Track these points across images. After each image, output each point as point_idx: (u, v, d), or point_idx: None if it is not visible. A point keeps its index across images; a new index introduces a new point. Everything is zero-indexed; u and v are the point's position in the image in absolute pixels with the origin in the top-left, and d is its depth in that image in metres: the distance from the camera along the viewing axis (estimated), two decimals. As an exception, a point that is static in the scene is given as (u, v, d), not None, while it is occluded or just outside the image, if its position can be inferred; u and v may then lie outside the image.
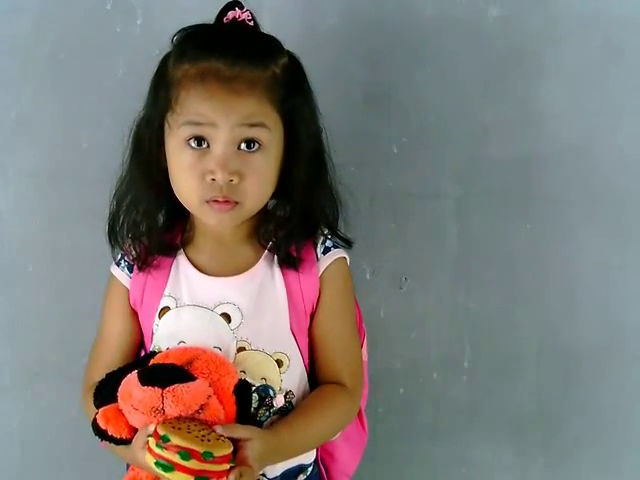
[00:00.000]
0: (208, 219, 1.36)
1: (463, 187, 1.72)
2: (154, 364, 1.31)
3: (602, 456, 1.79)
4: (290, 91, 1.32)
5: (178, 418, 1.23)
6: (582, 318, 1.76)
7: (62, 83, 1.70)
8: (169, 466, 1.16)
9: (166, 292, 1.41)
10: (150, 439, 1.20)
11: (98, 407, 1.31)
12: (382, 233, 1.68)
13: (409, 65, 1.69)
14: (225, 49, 1.29)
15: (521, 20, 1.67)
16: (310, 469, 1.46)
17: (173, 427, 1.20)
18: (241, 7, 1.36)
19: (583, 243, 1.73)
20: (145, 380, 1.25)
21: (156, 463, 1.17)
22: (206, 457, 1.16)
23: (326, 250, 1.43)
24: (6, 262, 1.76)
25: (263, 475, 1.37)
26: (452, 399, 1.78)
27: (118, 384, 1.29)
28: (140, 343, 1.46)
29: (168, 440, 1.17)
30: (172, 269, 1.42)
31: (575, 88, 1.69)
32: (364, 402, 1.53)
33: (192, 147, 1.30)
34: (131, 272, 1.44)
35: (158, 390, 1.23)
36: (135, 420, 1.26)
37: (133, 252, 1.43)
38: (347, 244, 1.46)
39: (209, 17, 1.61)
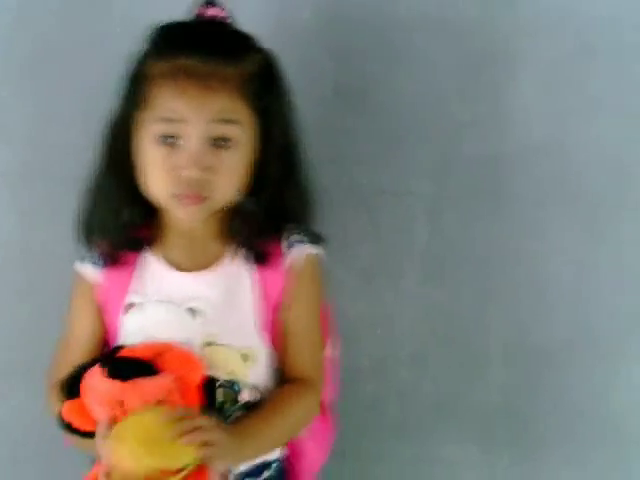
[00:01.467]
0: (177, 212, 1.36)
1: (436, 185, 1.71)
2: (119, 357, 1.30)
3: (568, 453, 1.81)
4: (265, 88, 1.32)
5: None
6: (552, 316, 1.76)
7: (36, 81, 1.68)
8: None
9: (132, 288, 1.40)
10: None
11: (63, 400, 1.31)
12: (354, 229, 1.68)
13: (383, 62, 1.68)
14: (198, 46, 1.29)
15: (494, 20, 1.67)
16: (274, 465, 1.46)
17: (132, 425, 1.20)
18: (217, 4, 1.36)
19: (555, 241, 1.73)
20: (107, 373, 1.25)
21: None
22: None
23: (291, 245, 1.42)
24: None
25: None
26: (420, 396, 1.78)
27: (79, 380, 1.29)
28: (106, 342, 1.44)
29: None
30: (138, 265, 1.41)
31: (548, 87, 1.68)
32: (332, 398, 1.54)
33: (163, 143, 1.29)
34: (97, 269, 1.43)
35: (119, 383, 1.23)
36: (98, 413, 1.26)
37: (100, 248, 1.42)
38: (315, 240, 1.45)
39: (187, 7, 1.61)
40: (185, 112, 1.27)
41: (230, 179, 1.33)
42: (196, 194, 1.31)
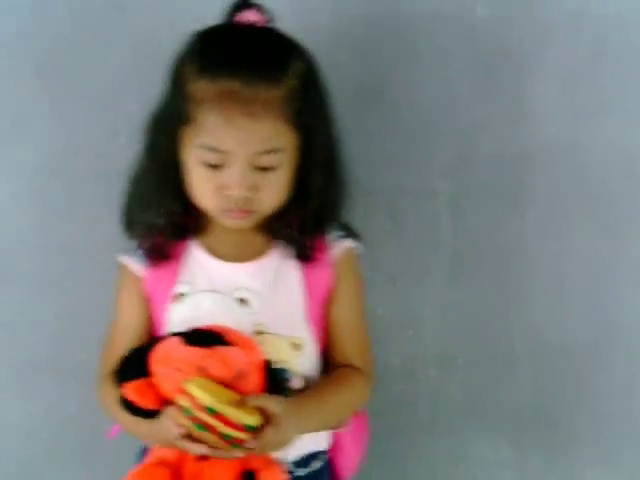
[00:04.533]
0: (224, 222, 1.39)
1: (458, 184, 1.72)
2: (194, 328, 1.31)
3: (600, 450, 1.81)
4: (306, 102, 1.32)
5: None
6: (576, 313, 1.77)
7: (56, 80, 1.70)
8: (202, 427, 1.20)
9: (181, 279, 1.42)
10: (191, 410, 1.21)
11: (122, 383, 1.31)
12: (377, 230, 1.68)
13: (401, 63, 1.69)
14: (242, 66, 1.28)
15: (510, 18, 1.67)
16: (321, 457, 1.48)
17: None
18: (254, 6, 1.36)
19: (575, 239, 1.74)
20: (189, 341, 1.27)
21: (198, 426, 1.20)
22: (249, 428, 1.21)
23: (337, 239, 1.46)
24: (1, 259, 1.76)
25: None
26: (449, 395, 1.79)
27: (140, 361, 1.30)
28: (153, 333, 1.46)
29: (214, 411, 1.19)
30: (185, 256, 1.44)
31: (564, 85, 1.68)
32: None
33: (207, 166, 1.31)
34: (143, 261, 1.45)
35: (203, 350, 1.25)
36: (171, 383, 1.26)
37: (147, 241, 1.43)
38: (353, 234, 1.48)
39: (200, 14, 1.61)
40: (230, 144, 1.28)
41: (275, 194, 1.35)
42: (243, 209, 1.34)
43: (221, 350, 1.25)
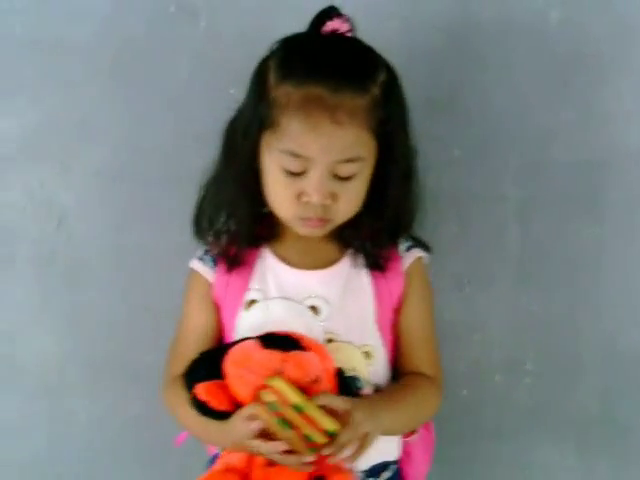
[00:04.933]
0: (298, 230, 1.39)
1: (526, 190, 1.70)
2: (270, 332, 1.32)
3: (667, 461, 1.78)
4: (387, 112, 1.32)
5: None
6: (645, 320, 1.74)
7: (126, 84, 1.72)
8: (287, 423, 1.21)
9: (252, 285, 1.43)
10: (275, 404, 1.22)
11: (190, 386, 1.33)
12: (445, 235, 1.68)
13: (471, 68, 1.68)
14: (328, 73, 1.28)
15: (584, 22, 1.65)
16: (393, 467, 1.48)
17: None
18: (339, 15, 1.36)
19: (646, 246, 1.71)
20: (267, 344, 1.28)
21: (279, 422, 1.21)
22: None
23: (408, 248, 1.47)
24: (71, 260, 1.78)
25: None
26: (515, 401, 1.78)
27: (211, 364, 1.32)
28: (221, 338, 1.47)
29: (302, 409, 1.21)
30: (258, 262, 1.44)
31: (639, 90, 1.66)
32: None
33: (288, 172, 1.32)
34: (214, 266, 1.46)
35: (280, 354, 1.26)
36: (246, 386, 1.27)
37: (219, 247, 1.45)
38: (423, 244, 1.49)
39: (272, 20, 1.63)
40: (313, 151, 1.28)
41: (352, 204, 1.36)
42: (320, 218, 1.34)
43: (298, 355, 1.26)
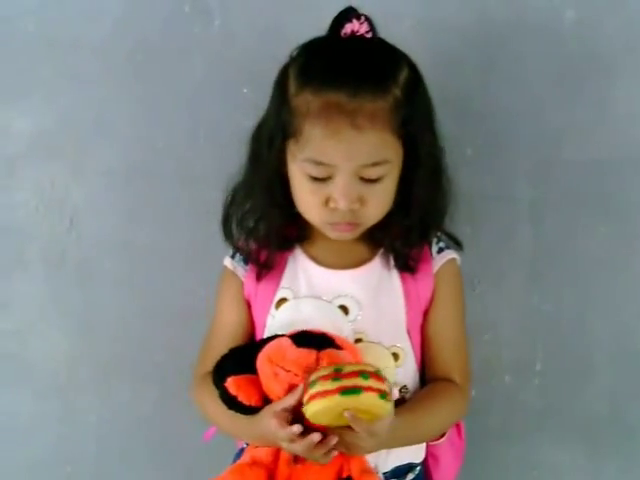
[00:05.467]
0: (329, 235, 1.39)
1: (538, 189, 1.71)
2: (304, 330, 1.32)
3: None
4: (411, 112, 1.31)
5: None
6: (656, 321, 1.74)
7: (140, 83, 1.73)
8: (357, 389, 1.17)
9: (283, 284, 1.43)
10: (317, 383, 1.19)
11: (220, 380, 1.32)
12: (456, 234, 1.67)
13: (483, 68, 1.68)
14: (346, 78, 1.27)
15: (597, 22, 1.65)
16: (418, 469, 1.48)
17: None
18: (357, 16, 1.34)
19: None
20: (301, 342, 1.27)
21: (342, 393, 1.17)
22: (379, 374, 1.20)
23: (440, 250, 1.46)
24: (83, 259, 1.79)
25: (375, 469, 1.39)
26: (524, 402, 1.78)
27: (241, 359, 1.32)
28: (252, 336, 1.48)
29: (341, 369, 1.19)
30: (289, 262, 1.45)
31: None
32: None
33: (313, 179, 1.32)
34: (246, 265, 1.47)
35: (314, 352, 1.26)
36: (280, 383, 1.27)
37: (252, 253, 1.45)
38: (457, 244, 1.49)
39: (286, 19, 1.64)
40: (335, 157, 1.28)
41: (381, 207, 1.36)
42: (348, 222, 1.34)
43: (333, 353, 1.26)
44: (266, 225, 1.42)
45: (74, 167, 1.75)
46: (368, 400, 1.18)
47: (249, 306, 1.47)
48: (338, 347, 1.28)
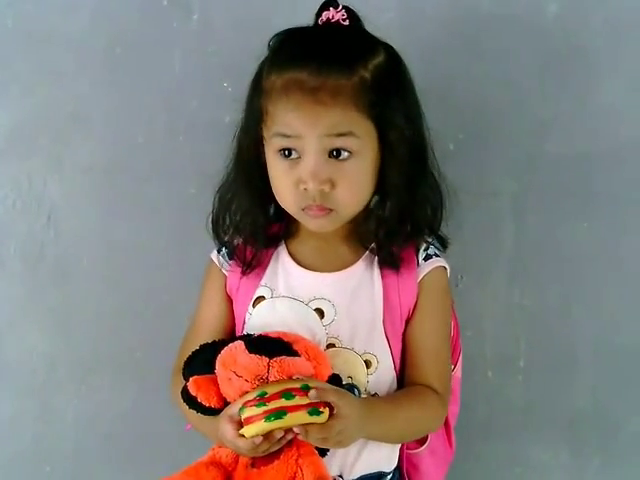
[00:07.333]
0: (307, 224, 1.39)
1: (520, 184, 1.70)
2: (261, 335, 1.32)
3: (660, 457, 1.77)
4: (381, 95, 1.31)
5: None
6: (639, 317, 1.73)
7: (118, 78, 1.72)
8: (280, 412, 1.18)
9: (263, 282, 1.43)
10: (245, 408, 1.21)
11: (187, 377, 1.33)
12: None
13: (466, 61, 1.68)
14: (310, 58, 1.29)
15: (580, 16, 1.65)
16: (389, 478, 1.45)
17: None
18: (336, 6, 1.36)
19: (641, 240, 1.71)
20: (253, 348, 1.26)
21: (266, 418, 1.18)
22: (306, 389, 1.20)
23: (428, 257, 1.43)
24: (61, 255, 1.77)
25: (340, 477, 1.38)
26: (507, 398, 1.77)
27: (209, 357, 1.31)
28: (232, 331, 1.46)
29: (265, 393, 1.20)
30: (272, 260, 1.44)
31: (634, 84, 1.66)
32: (454, 419, 1.55)
33: (284, 157, 1.32)
34: (230, 260, 1.46)
35: (265, 359, 1.25)
36: (233, 388, 1.27)
37: (239, 251, 1.45)
38: (443, 246, 1.47)
39: (266, 12, 1.63)
40: (299, 128, 1.29)
41: (352, 189, 1.34)
42: (320, 206, 1.33)
43: (284, 360, 1.25)
44: (251, 223, 1.42)
45: (52, 163, 1.74)
46: (294, 420, 1.18)
47: (231, 301, 1.46)
48: (294, 353, 1.26)
